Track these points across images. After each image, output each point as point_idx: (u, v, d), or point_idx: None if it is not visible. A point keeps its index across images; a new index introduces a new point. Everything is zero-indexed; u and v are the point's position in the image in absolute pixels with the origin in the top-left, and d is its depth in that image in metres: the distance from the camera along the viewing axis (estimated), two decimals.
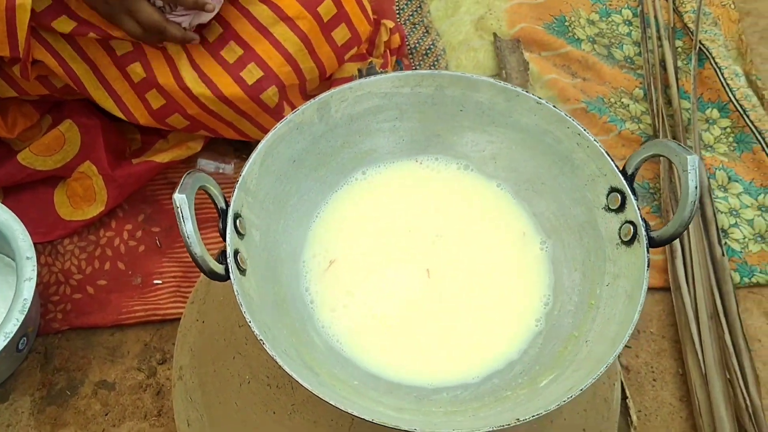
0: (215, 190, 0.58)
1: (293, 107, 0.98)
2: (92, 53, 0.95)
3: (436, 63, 1.16)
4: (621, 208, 0.62)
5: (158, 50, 0.95)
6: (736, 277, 1.02)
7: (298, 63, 0.99)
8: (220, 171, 1.07)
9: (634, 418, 0.91)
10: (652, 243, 0.60)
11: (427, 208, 0.71)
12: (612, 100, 1.16)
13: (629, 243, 0.61)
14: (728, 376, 0.94)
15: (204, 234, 0.98)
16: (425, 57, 1.18)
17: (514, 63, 1.17)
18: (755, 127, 1.12)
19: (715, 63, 1.18)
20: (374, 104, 0.69)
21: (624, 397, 0.92)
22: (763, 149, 1.11)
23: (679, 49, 1.22)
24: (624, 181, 0.62)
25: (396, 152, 0.72)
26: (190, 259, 1.00)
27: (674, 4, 1.26)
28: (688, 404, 0.94)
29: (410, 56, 1.18)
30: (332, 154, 0.69)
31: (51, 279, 0.98)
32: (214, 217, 0.71)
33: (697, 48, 1.20)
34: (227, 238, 0.58)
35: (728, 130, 1.14)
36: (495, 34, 1.21)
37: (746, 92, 1.16)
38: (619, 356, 0.95)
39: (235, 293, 0.56)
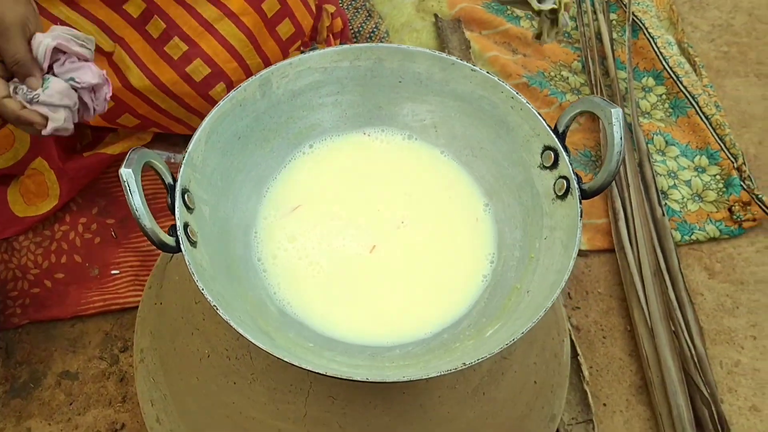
0: (161, 166, 0.60)
1: None
2: None
3: (380, 42, 1.18)
4: (554, 164, 0.66)
5: (103, 56, 0.96)
6: (677, 236, 1.06)
7: (244, 59, 1.00)
8: (172, 161, 1.08)
9: (585, 373, 0.95)
10: (584, 195, 0.63)
11: (375, 176, 0.73)
12: (552, 73, 1.20)
13: (563, 197, 0.65)
14: (673, 329, 0.98)
15: (163, 221, 0.99)
16: (369, 40, 1.20)
17: (455, 42, 1.20)
18: (689, 93, 1.17)
19: (649, 33, 1.22)
20: (315, 79, 0.71)
21: (575, 355, 0.96)
22: (697, 113, 1.15)
23: (614, 22, 1.26)
24: (556, 139, 0.66)
25: (340, 126, 0.74)
26: (147, 248, 1.02)
27: None
28: (637, 358, 0.98)
29: (354, 40, 1.21)
30: (277, 130, 0.72)
31: (8, 275, 0.98)
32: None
33: (631, 20, 1.24)
34: (176, 212, 0.60)
35: (663, 96, 1.19)
36: (436, 15, 1.24)
37: (679, 60, 1.20)
38: (569, 317, 0.99)
39: (187, 263, 0.57)
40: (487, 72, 0.69)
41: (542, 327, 0.82)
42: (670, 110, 1.17)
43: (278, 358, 0.55)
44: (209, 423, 0.75)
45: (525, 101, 0.68)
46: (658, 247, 1.04)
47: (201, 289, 0.56)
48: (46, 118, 0.72)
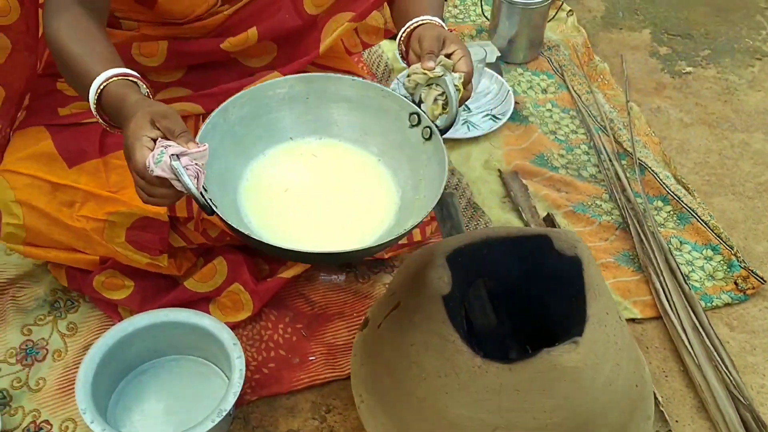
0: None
1: None
2: None
3: (464, 191, 1.65)
4: (418, 122, 1.07)
5: None
6: (702, 304, 1.47)
7: None
8: (335, 281, 1.49)
9: (660, 399, 1.32)
10: (441, 132, 1.04)
11: (312, 157, 1.11)
12: (588, 203, 1.66)
13: (429, 138, 1.06)
14: (714, 365, 1.36)
15: None
16: (456, 189, 1.66)
17: (516, 187, 1.67)
18: (689, 208, 1.63)
19: (653, 171, 1.70)
20: (256, 106, 1.07)
21: None
22: (698, 221, 1.61)
23: (625, 165, 1.74)
24: (417, 107, 1.07)
25: (283, 132, 1.10)
26: (330, 341, 1.40)
27: (614, 137, 1.81)
28: (692, 388, 1.35)
29: (447, 188, 1.66)
30: (239, 140, 1.07)
31: None
32: None
33: (637, 163, 1.73)
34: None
35: (672, 212, 1.65)
36: (499, 170, 1.72)
37: (677, 187, 1.68)
38: None
39: (219, 215, 0.91)
40: (362, 78, 1.12)
41: (632, 358, 1.19)
42: (678, 221, 1.63)
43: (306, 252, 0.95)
44: (423, 427, 1.11)
45: (390, 90, 1.10)
46: (692, 312, 1.45)
47: (228, 223, 0.90)
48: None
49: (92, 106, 1.02)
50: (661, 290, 1.48)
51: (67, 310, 1.44)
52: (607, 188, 1.70)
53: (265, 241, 0.94)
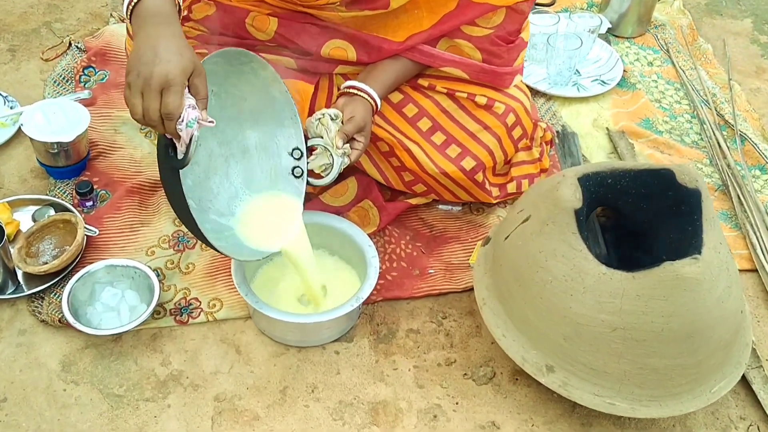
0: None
1: (489, 181, 1.55)
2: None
3: (575, 145, 1.76)
4: (299, 158, 1.36)
5: (405, 150, 1.51)
6: None
7: (494, 155, 1.55)
8: (452, 210, 1.61)
9: (754, 339, 1.41)
10: (308, 182, 1.30)
11: None
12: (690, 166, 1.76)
13: (298, 177, 1.33)
14: None
15: None
16: (564, 144, 1.78)
17: (623, 145, 1.78)
18: None
19: (753, 142, 1.80)
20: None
21: None
22: None
23: (726, 135, 1.84)
24: (303, 148, 1.32)
25: None
26: (447, 258, 1.53)
27: (716, 110, 1.90)
28: None
29: (557, 143, 1.78)
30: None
31: None
32: None
33: (738, 134, 1.82)
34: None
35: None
36: (607, 128, 1.83)
37: None
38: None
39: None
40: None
41: (739, 288, 1.29)
42: None
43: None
44: (545, 325, 1.22)
45: (297, 116, 1.34)
46: None
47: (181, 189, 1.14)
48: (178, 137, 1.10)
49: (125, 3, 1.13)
50: (758, 245, 1.57)
51: None
52: (708, 154, 1.80)
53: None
